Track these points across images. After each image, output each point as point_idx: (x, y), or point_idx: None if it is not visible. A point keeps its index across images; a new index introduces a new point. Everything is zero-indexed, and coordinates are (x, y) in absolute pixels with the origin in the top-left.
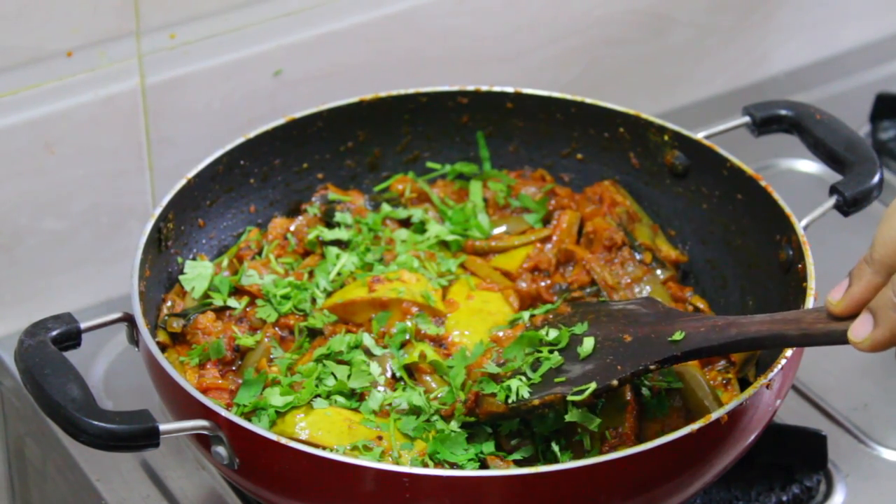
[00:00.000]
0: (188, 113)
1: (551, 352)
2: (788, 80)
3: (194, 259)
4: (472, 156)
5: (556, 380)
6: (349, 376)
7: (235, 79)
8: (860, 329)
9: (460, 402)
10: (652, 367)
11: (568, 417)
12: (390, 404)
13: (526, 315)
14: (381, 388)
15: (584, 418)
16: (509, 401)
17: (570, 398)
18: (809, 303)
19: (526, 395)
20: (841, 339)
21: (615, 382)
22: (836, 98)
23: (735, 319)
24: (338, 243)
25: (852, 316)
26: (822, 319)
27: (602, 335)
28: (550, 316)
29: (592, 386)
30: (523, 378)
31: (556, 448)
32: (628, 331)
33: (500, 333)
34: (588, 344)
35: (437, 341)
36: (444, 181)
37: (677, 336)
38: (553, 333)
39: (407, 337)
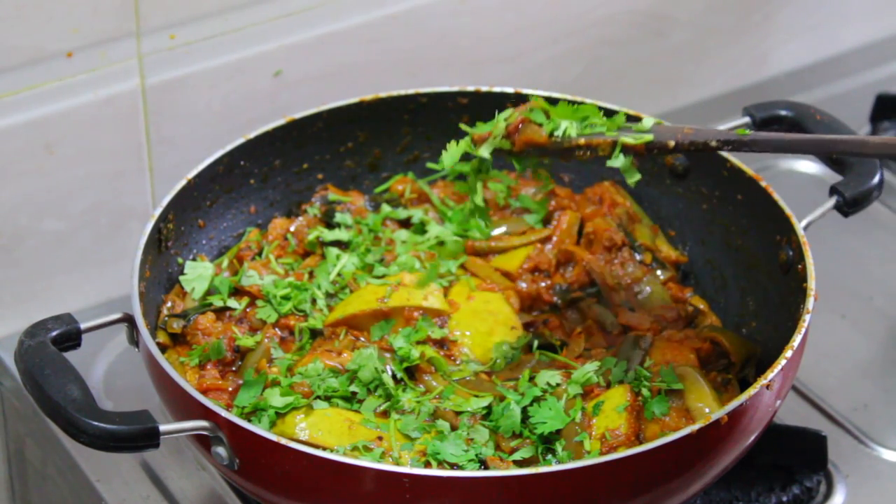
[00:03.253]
0: (188, 113)
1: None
2: (788, 80)
3: (194, 260)
4: (472, 156)
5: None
6: (351, 381)
7: (235, 79)
8: None
9: (501, 128)
10: (713, 143)
11: (610, 162)
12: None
13: None
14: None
15: (627, 167)
16: (555, 134)
17: (622, 140)
18: (810, 304)
19: (573, 134)
20: None
21: (672, 143)
22: (836, 98)
23: None
24: (338, 244)
25: None
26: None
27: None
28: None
29: (650, 136)
30: (575, 124)
31: (556, 448)
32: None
33: None
34: (647, 121)
35: (439, 343)
36: (444, 182)
37: (742, 129)
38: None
39: (408, 347)
